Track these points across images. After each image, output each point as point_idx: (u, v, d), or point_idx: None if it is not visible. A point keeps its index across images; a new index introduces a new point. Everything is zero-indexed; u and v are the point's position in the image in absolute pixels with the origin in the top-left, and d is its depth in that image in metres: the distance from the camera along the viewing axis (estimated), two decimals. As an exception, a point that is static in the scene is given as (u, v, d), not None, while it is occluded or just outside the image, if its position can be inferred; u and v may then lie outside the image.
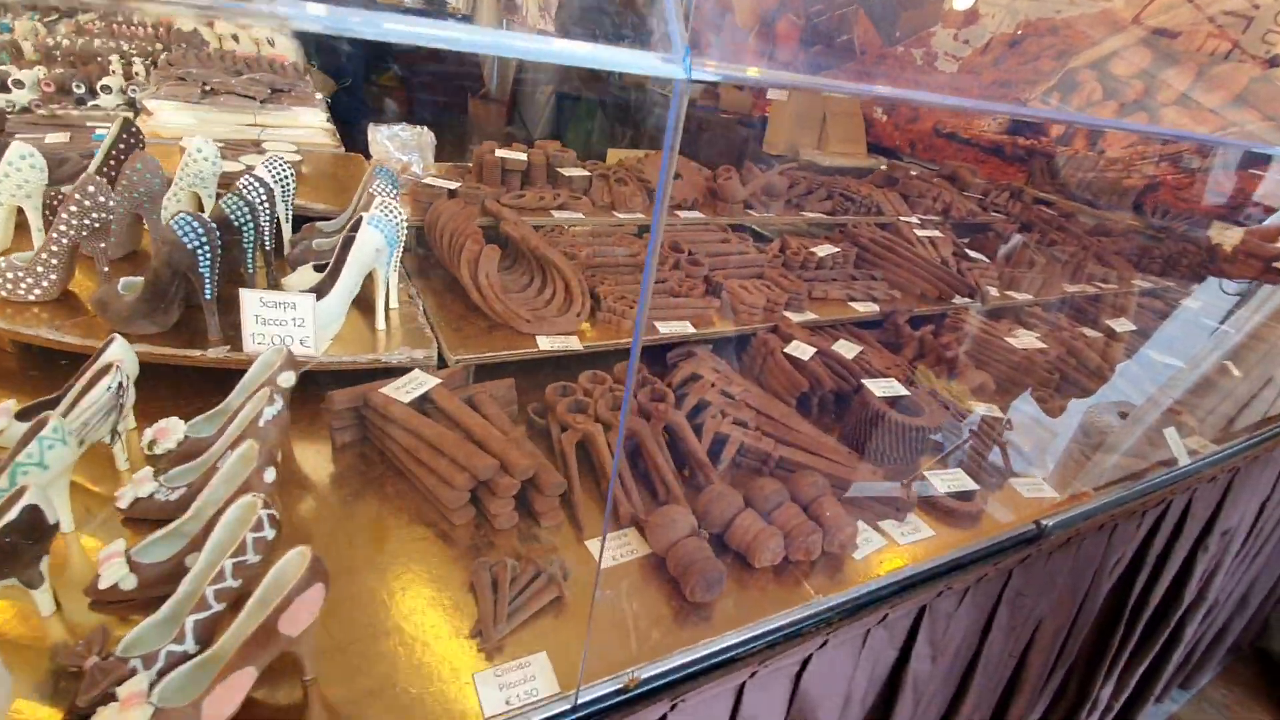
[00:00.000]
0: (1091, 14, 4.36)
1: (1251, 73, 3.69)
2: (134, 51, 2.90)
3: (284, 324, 1.25)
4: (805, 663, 1.05)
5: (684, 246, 1.97)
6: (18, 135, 2.04)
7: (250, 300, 1.22)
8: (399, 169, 1.92)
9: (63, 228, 1.25)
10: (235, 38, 3.44)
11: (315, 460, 1.21)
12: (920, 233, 2.52)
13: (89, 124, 2.23)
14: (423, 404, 1.21)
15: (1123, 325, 2.31)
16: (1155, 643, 2.17)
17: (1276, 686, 2.73)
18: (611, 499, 1.18)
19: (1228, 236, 3.21)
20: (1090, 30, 4.45)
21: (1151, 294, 2.77)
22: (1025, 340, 1.96)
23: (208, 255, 1.19)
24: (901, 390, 1.52)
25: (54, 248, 1.27)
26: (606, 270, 1.81)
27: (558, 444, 1.26)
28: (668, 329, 1.64)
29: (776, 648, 1.00)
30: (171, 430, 1.08)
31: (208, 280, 1.21)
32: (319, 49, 5.79)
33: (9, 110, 2.21)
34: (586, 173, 2.16)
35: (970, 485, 1.38)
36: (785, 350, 1.63)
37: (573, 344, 1.50)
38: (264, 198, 1.41)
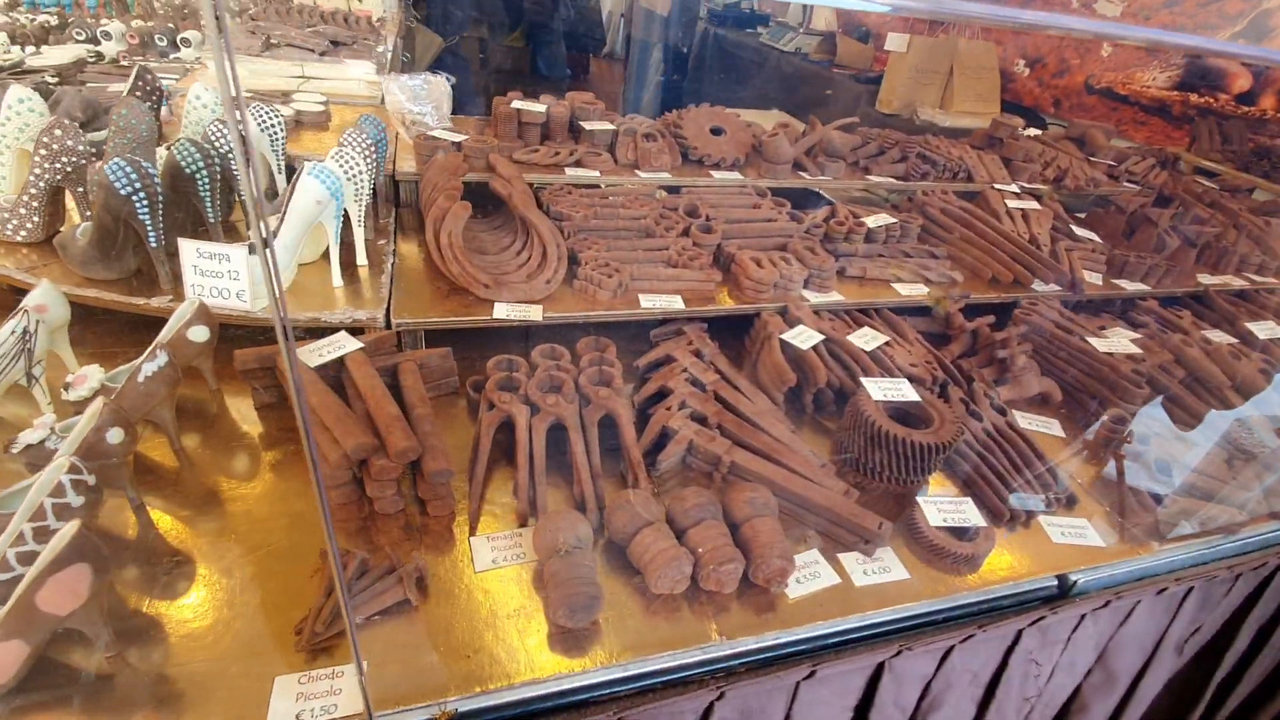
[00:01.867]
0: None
1: None
2: (227, 6, 3.04)
3: (220, 276, 1.21)
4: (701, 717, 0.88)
5: (702, 211, 1.75)
6: (88, 84, 2.19)
7: (188, 250, 1.20)
8: (407, 121, 1.85)
9: (37, 171, 1.29)
10: (324, -9, 3.53)
11: (236, 421, 1.18)
12: (1013, 204, 2.11)
13: (162, 76, 2.36)
14: (340, 369, 1.14)
15: (1268, 331, 1.82)
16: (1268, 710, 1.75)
17: None
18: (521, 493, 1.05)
19: None
20: (1304, -44, 3.54)
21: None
22: (1116, 342, 1.58)
23: (144, 201, 1.17)
24: (910, 394, 1.25)
25: (33, 190, 1.31)
26: (604, 234, 1.64)
27: (478, 425, 1.14)
28: (652, 303, 1.46)
29: (651, 697, 0.84)
30: (88, 377, 1.08)
31: (149, 227, 1.20)
32: (433, 7, 5.90)
33: (92, 60, 2.38)
34: (611, 127, 1.99)
35: (974, 519, 1.11)
36: (783, 336, 1.41)
37: (533, 313, 1.36)
38: (229, 146, 1.37)
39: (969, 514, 1.12)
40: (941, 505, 1.13)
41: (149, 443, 1.10)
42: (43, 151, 1.27)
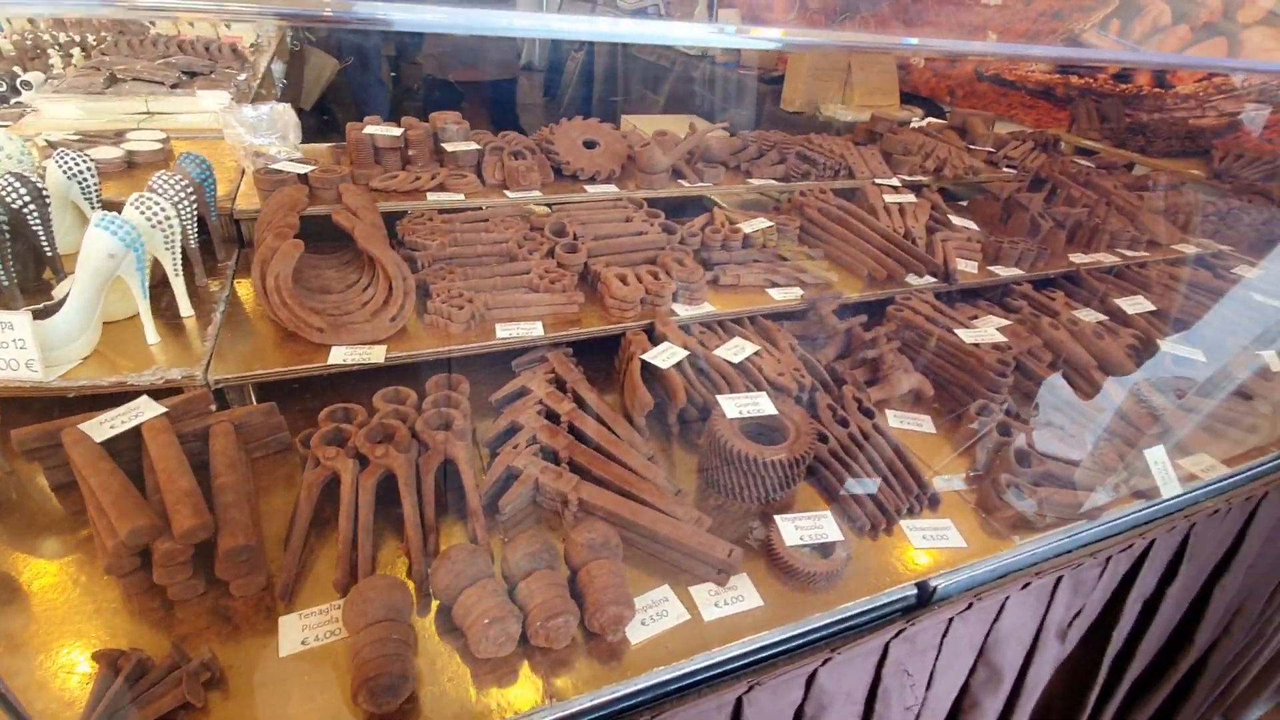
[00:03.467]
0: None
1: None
2: (76, 42, 2.84)
3: (6, 346, 1.09)
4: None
5: (570, 229, 1.70)
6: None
7: (-41, 320, 1.07)
8: (250, 155, 1.74)
9: None
10: (191, 23, 3.34)
11: (32, 503, 1.06)
12: (890, 198, 2.13)
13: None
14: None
15: (1137, 305, 1.87)
16: (1162, 690, 1.79)
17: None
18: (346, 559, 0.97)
19: (1313, 186, 2.60)
20: (1159, -60, 3.74)
21: (1202, 264, 2.27)
22: (982, 332, 1.59)
23: (-102, 271, 1.04)
24: (767, 408, 1.22)
25: None
26: (463, 262, 1.57)
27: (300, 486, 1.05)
28: (509, 332, 1.39)
29: (466, 776, 0.77)
30: None
31: (-90, 299, 1.07)
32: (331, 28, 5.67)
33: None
34: (475, 146, 1.91)
35: (832, 534, 1.08)
36: (644, 356, 1.36)
37: (374, 355, 1.28)
38: (25, 199, 1.25)
39: (827, 528, 1.09)
40: (800, 522, 1.10)
41: (-87, 544, 0.97)
42: None
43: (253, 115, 1.75)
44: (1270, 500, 1.54)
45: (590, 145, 2.07)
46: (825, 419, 1.32)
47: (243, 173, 1.78)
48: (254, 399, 1.26)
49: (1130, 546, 1.28)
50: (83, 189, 1.42)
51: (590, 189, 1.98)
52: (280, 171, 1.66)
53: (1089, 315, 1.82)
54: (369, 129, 1.82)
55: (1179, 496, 1.33)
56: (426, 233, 1.61)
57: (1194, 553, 1.44)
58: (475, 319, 1.39)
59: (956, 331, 1.57)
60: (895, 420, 1.45)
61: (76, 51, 2.75)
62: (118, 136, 1.89)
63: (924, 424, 1.45)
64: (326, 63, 4.89)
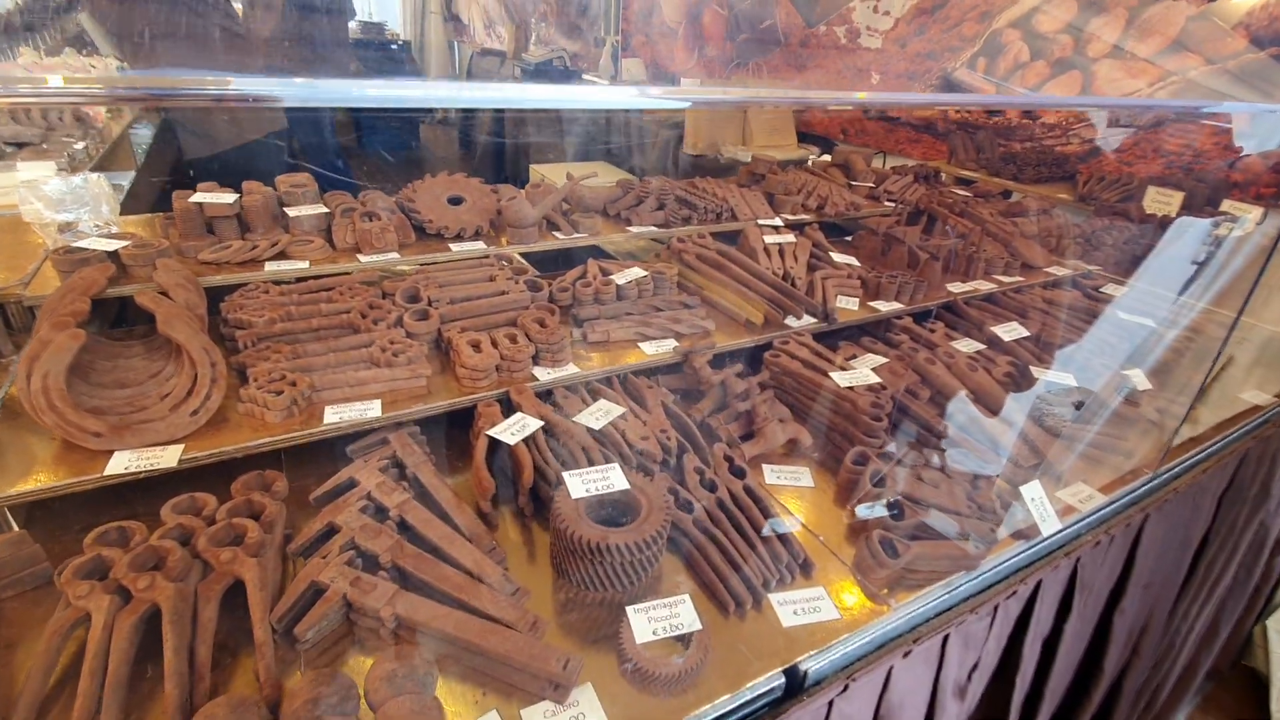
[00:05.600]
0: (1009, -38, 3.92)
1: (1187, 11, 3.24)
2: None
3: None
4: None
5: (424, 294, 1.57)
6: None
7: None
8: (52, 232, 1.54)
9: None
10: (37, 85, 3.09)
11: None
12: (771, 239, 2.10)
13: None
14: None
15: (1013, 332, 1.88)
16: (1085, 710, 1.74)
17: (1264, 706, 2.27)
18: (89, 723, 0.78)
19: (1166, 202, 2.75)
20: (1009, -21, 4.01)
21: (1073, 284, 2.33)
22: (856, 374, 1.54)
23: None
24: (619, 482, 1.11)
25: None
26: (296, 338, 1.42)
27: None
28: (339, 415, 1.24)
29: None
30: None
31: None
32: None
33: None
34: (322, 210, 1.77)
35: (689, 622, 0.97)
36: (491, 432, 1.23)
37: (166, 459, 1.10)
38: None
39: (684, 616, 0.98)
40: (653, 613, 0.98)
41: None
42: None
43: (58, 188, 1.56)
44: (1153, 521, 1.53)
45: (456, 201, 1.97)
46: (691, 484, 1.22)
47: (45, 254, 1.58)
48: (15, 526, 1.06)
49: (1015, 593, 1.22)
50: None
51: (456, 248, 1.86)
52: (83, 250, 1.48)
53: (968, 345, 1.81)
54: (197, 196, 1.66)
55: (1060, 532, 1.29)
56: (256, 308, 1.45)
57: (1084, 584, 1.40)
58: (299, 403, 1.24)
59: (831, 375, 1.52)
60: (772, 476, 1.37)
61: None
62: (-103, 219, 1.66)
63: (802, 477, 1.37)
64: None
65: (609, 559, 1.00)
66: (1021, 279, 2.29)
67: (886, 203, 2.73)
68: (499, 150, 6.92)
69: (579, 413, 1.34)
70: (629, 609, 0.98)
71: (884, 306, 1.96)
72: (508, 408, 1.35)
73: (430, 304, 1.54)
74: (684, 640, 0.97)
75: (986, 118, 4.32)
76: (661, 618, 0.97)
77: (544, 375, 1.44)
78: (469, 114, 8.25)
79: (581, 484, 1.09)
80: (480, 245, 1.89)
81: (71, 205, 1.56)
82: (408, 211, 1.89)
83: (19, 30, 3.79)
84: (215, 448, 1.15)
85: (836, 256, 2.13)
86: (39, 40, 3.96)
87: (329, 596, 0.93)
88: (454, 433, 1.41)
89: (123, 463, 1.08)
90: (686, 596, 1.02)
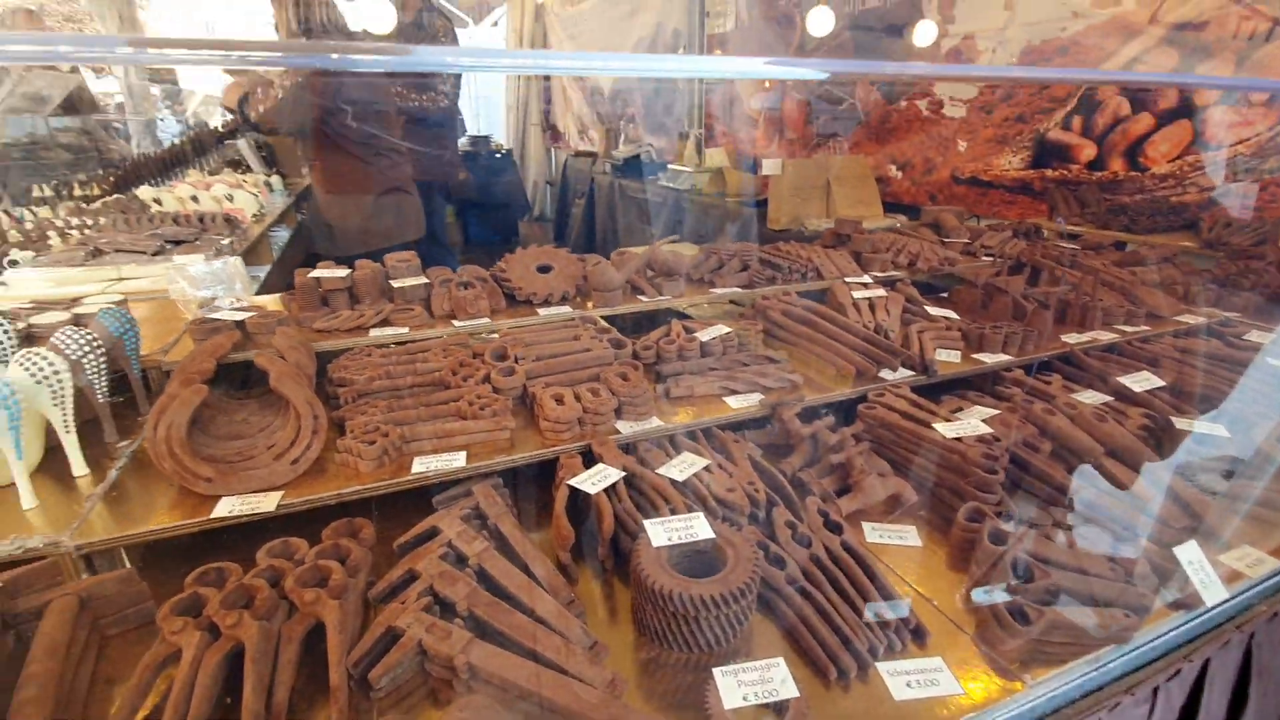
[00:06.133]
0: (1100, 24, 3.84)
1: (1307, 49, 3.02)
2: (87, 225, 3.03)
3: None
4: None
5: (511, 352, 1.61)
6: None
7: None
8: (193, 307, 1.73)
9: None
10: (195, 199, 3.59)
11: None
12: (860, 294, 2.04)
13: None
14: None
15: (1144, 382, 1.68)
16: None
17: None
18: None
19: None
20: (1103, 42, 3.90)
21: (1211, 333, 2.09)
22: (965, 424, 1.41)
23: None
24: (704, 531, 1.04)
25: None
26: (393, 394, 1.48)
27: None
28: (425, 466, 1.26)
29: None
30: None
31: None
32: None
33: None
34: (423, 280, 1.89)
35: (786, 689, 0.86)
36: (572, 481, 1.21)
37: (266, 504, 1.15)
38: (-82, 364, 1.20)
39: (778, 680, 0.88)
40: (743, 675, 0.88)
41: None
42: None
43: (201, 269, 1.76)
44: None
45: (545, 270, 2.05)
46: (783, 539, 1.13)
47: (185, 327, 1.77)
48: (129, 565, 1.12)
49: (1178, 672, 1.02)
50: (0, 351, 1.38)
51: (543, 312, 1.92)
52: (216, 320, 1.64)
53: (1092, 397, 1.63)
54: (315, 272, 1.82)
55: (1227, 601, 1.08)
56: (358, 368, 1.53)
57: (1262, 667, 1.15)
58: (389, 453, 1.27)
59: (934, 426, 1.40)
60: (874, 534, 1.25)
61: (75, 233, 2.92)
62: (73, 302, 1.92)
63: (908, 536, 1.24)
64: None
65: (691, 612, 0.92)
66: (1148, 328, 2.08)
67: (984, 257, 2.60)
68: (589, 235, 7.30)
69: (662, 465, 1.30)
70: (715, 670, 0.89)
71: (989, 359, 1.82)
72: (590, 461, 1.32)
73: (516, 361, 1.58)
74: (777, 709, 0.86)
75: (1088, 173, 4.12)
76: (752, 681, 0.88)
77: (626, 428, 1.42)
78: (563, 207, 8.80)
79: (663, 532, 1.03)
80: (567, 309, 1.95)
81: (210, 283, 1.75)
82: (500, 280, 1.99)
83: (190, 156, 4.47)
84: (312, 495, 1.19)
85: (932, 310, 2.03)
86: (204, 163, 4.64)
87: (404, 642, 0.91)
88: (536, 488, 1.39)
89: (227, 507, 1.13)
90: (780, 660, 0.91)
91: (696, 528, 1.04)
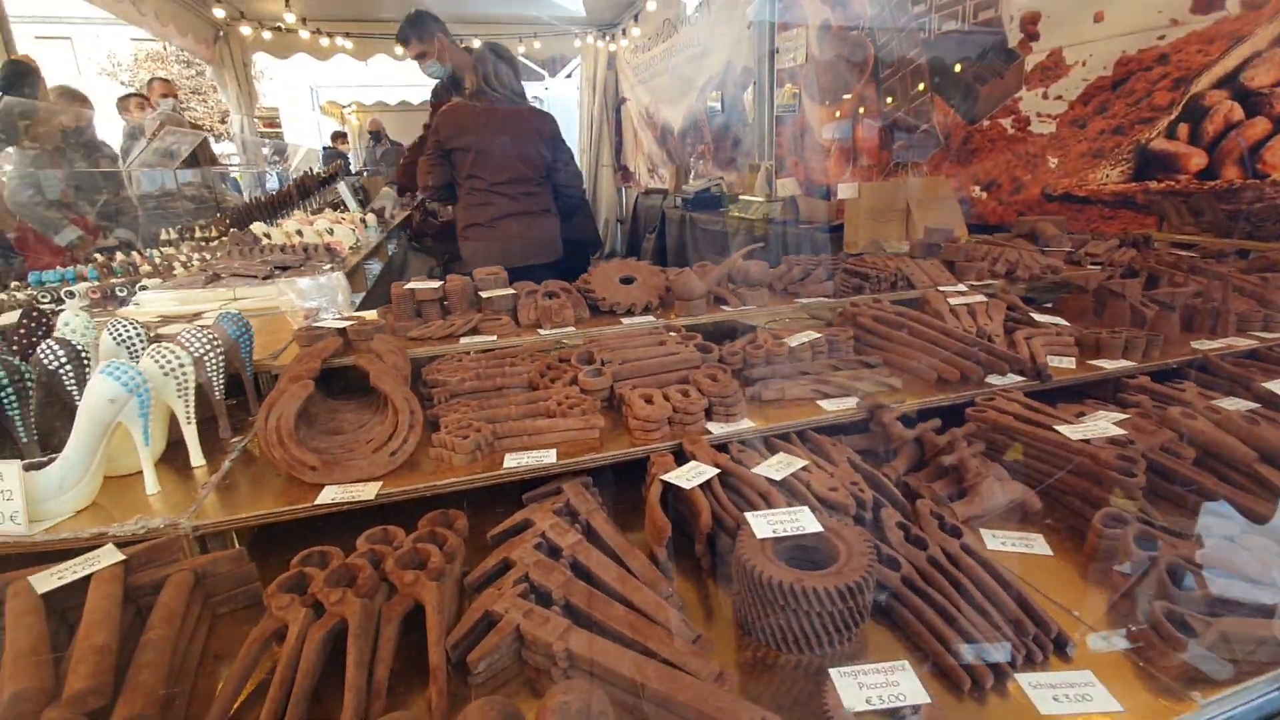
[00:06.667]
0: (1204, 28, 3.61)
1: None
2: (205, 259, 3.30)
3: (-6, 498, 1.06)
4: None
5: (598, 357, 1.61)
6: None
7: (-40, 474, 1.06)
8: (300, 317, 1.82)
9: None
10: (299, 233, 3.86)
11: None
12: (957, 300, 1.93)
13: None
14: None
15: (1299, 388, 1.50)
16: None
17: None
18: (275, 731, 0.77)
19: None
20: (1207, 47, 3.67)
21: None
22: (1092, 426, 1.28)
23: (-85, 428, 1.06)
24: (810, 524, 0.97)
25: None
26: (482, 395, 1.49)
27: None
28: (517, 461, 1.26)
29: None
30: None
31: (-76, 456, 1.08)
32: (437, 236, 6.49)
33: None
34: (510, 291, 1.93)
35: (914, 694, 0.77)
36: (665, 476, 1.17)
37: (365, 494, 1.16)
38: (62, 360, 1.31)
39: (905, 685, 0.79)
40: (864, 678, 0.80)
41: None
42: None
43: (305, 284, 1.86)
44: None
45: (627, 281, 2.05)
46: (895, 540, 1.05)
47: (292, 335, 1.86)
48: (236, 546, 1.15)
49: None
50: (130, 354, 1.49)
51: (626, 321, 1.92)
52: (320, 328, 1.72)
53: (1235, 404, 1.46)
54: (409, 284, 1.90)
55: None
56: (450, 371, 1.56)
57: None
58: (482, 449, 1.27)
59: (1058, 428, 1.28)
60: (994, 541, 1.14)
61: (196, 263, 3.18)
62: (194, 317, 2.07)
63: (1035, 544, 1.13)
64: (427, 264, 5.52)
65: (804, 606, 0.85)
66: (1288, 335, 1.86)
67: (1090, 266, 2.43)
68: (661, 262, 7.35)
69: (756, 466, 1.24)
70: (833, 671, 0.82)
71: (1109, 365, 1.67)
72: (682, 461, 1.28)
73: (602, 364, 1.57)
74: (903, 716, 0.78)
75: (1198, 183, 3.82)
76: (875, 684, 0.80)
77: (717, 429, 1.37)
78: (634, 242, 8.94)
79: (767, 524, 0.97)
80: (650, 319, 1.93)
81: (316, 296, 1.84)
82: (584, 292, 2.00)
83: (296, 198, 4.83)
84: (408, 486, 1.20)
85: (1038, 316, 1.89)
86: (308, 204, 5.00)
87: (502, 626, 0.88)
88: (623, 489, 1.36)
89: (330, 495, 1.16)
90: (905, 663, 0.83)
91: (803, 520, 0.98)
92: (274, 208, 4.61)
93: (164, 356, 1.24)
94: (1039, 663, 0.87)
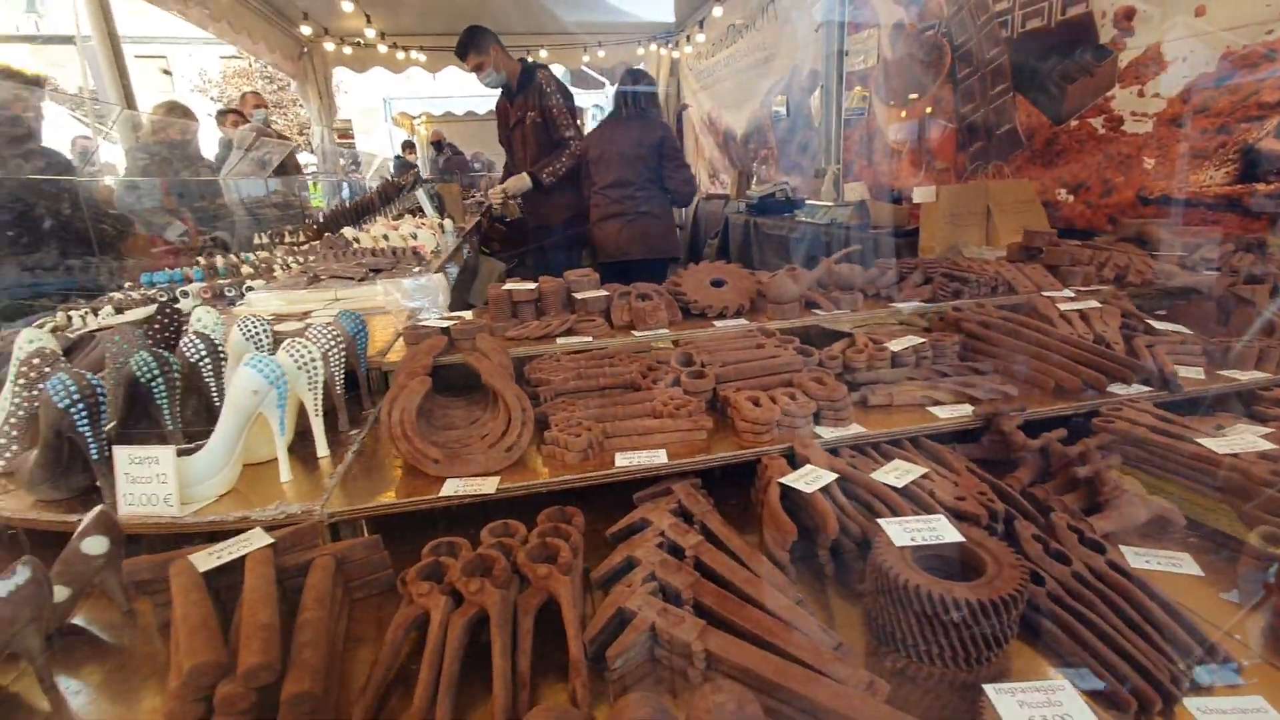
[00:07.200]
0: (1325, 19, 3.36)
1: None
2: (300, 262, 3.46)
3: (149, 481, 1.14)
4: None
5: (697, 359, 1.60)
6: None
7: (120, 457, 1.14)
8: (405, 316, 1.89)
9: (16, 400, 1.33)
10: (386, 237, 4.01)
11: (146, 648, 1.02)
12: (1068, 306, 1.84)
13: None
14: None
15: None
16: None
17: None
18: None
19: None
20: (1331, 37, 3.41)
21: None
22: (1238, 439, 1.20)
23: (84, 412, 1.15)
24: (950, 534, 0.94)
25: (13, 419, 1.34)
26: (585, 394, 1.51)
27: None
28: (629, 461, 1.26)
29: None
30: None
31: (89, 438, 1.17)
32: (505, 242, 6.64)
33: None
34: (604, 293, 1.95)
35: (1080, 716, 0.73)
36: (783, 480, 1.15)
37: (486, 487, 1.19)
38: (203, 354, 1.39)
39: (1068, 705, 0.75)
40: (1024, 696, 0.77)
41: (27, 681, 0.95)
42: (21, 380, 1.31)
43: (410, 284, 1.93)
44: None
45: (718, 284, 2.05)
46: (1033, 554, 1.00)
47: (397, 334, 1.93)
48: (365, 535, 1.20)
49: None
50: (257, 349, 1.57)
51: (719, 324, 1.91)
52: (425, 326, 1.77)
53: (1399, 421, 1.34)
54: (507, 286, 1.94)
55: None
56: (551, 370, 1.59)
57: None
58: (593, 447, 1.29)
59: (1200, 441, 1.20)
60: (1137, 559, 1.07)
61: (295, 265, 3.34)
62: (304, 315, 2.17)
63: (1183, 563, 1.06)
64: (496, 267, 5.66)
65: (955, 618, 0.82)
66: None
67: (1206, 272, 2.28)
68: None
69: (872, 472, 1.21)
70: (989, 688, 0.78)
71: (1243, 375, 1.56)
72: (792, 464, 1.26)
73: (703, 366, 1.56)
74: (1070, 738, 0.74)
75: (1321, 185, 3.54)
76: (1037, 703, 0.76)
77: (826, 434, 1.34)
78: (695, 248, 8.93)
79: (904, 532, 0.94)
80: (741, 322, 1.92)
81: (419, 296, 1.91)
82: (675, 294, 2.01)
83: (378, 205, 5.03)
84: (522, 481, 1.22)
85: (1156, 324, 1.79)
86: (388, 211, 5.19)
87: (637, 623, 0.89)
88: (727, 493, 1.34)
89: (453, 488, 1.19)
90: (1066, 683, 0.79)
91: (940, 530, 0.95)
92: (358, 213, 4.81)
93: (298, 351, 1.30)
94: (1207, 687, 0.82)
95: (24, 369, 1.31)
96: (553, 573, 0.95)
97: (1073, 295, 1.99)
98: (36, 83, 3.12)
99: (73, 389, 1.14)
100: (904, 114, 6.67)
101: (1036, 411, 1.41)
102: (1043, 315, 1.81)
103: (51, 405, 1.13)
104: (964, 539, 0.93)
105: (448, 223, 4.70)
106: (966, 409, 1.42)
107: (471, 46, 3.81)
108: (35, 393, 1.31)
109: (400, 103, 15.93)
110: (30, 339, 1.47)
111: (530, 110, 3.77)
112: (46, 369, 1.32)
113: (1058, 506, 1.15)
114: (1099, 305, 1.84)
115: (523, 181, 3.71)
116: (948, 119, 6.30)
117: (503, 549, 1.02)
